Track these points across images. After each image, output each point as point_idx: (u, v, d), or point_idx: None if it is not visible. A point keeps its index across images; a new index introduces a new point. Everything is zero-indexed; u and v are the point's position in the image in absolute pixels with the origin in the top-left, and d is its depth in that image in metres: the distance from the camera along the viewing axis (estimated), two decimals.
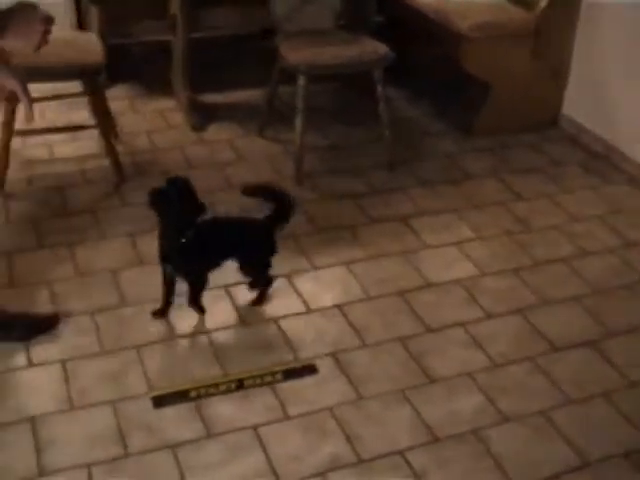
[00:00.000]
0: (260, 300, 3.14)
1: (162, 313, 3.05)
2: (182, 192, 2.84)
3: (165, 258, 2.96)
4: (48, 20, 2.49)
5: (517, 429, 2.65)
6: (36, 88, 4.36)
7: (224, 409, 2.66)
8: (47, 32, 2.49)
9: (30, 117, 2.54)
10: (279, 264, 3.31)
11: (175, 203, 2.81)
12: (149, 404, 2.67)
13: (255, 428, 2.59)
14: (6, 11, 2.40)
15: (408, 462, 2.50)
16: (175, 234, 2.89)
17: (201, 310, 3.05)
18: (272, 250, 3.11)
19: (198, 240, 2.90)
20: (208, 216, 2.92)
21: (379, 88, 3.99)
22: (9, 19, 2.41)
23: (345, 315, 3.08)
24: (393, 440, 2.58)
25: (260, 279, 3.15)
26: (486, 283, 3.33)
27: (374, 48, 3.98)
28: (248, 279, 3.15)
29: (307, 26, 4.12)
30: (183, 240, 2.88)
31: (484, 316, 3.14)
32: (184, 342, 2.95)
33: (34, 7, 2.49)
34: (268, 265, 3.12)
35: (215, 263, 3.06)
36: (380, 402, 2.72)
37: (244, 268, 3.09)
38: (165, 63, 4.76)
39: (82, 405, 2.67)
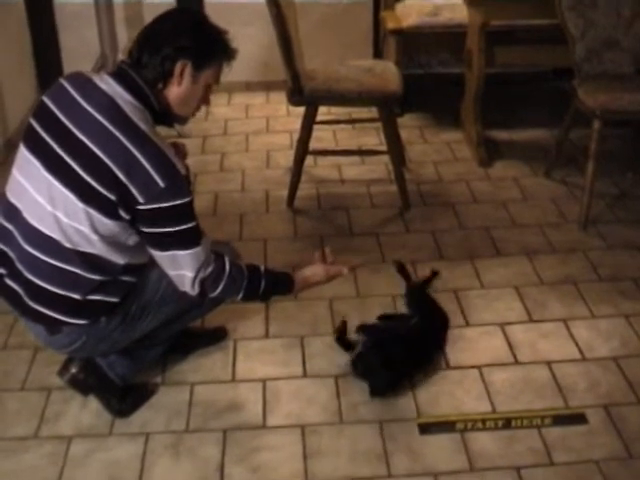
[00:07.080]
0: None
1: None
2: (381, 348, 2.90)
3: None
4: None
5: None
6: (332, 111, 4.63)
7: (488, 446, 2.64)
8: None
9: None
10: (556, 307, 3.27)
11: (379, 363, 2.86)
12: (415, 429, 2.71)
13: (518, 469, 2.55)
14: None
15: None
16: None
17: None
18: None
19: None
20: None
21: None
22: None
23: (621, 368, 2.96)
24: None
25: None
26: None
27: None
28: None
29: (606, 69, 4.04)
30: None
31: None
32: (456, 374, 2.96)
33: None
34: None
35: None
36: None
37: None
38: (456, 96, 4.81)
39: (351, 420, 2.75)
